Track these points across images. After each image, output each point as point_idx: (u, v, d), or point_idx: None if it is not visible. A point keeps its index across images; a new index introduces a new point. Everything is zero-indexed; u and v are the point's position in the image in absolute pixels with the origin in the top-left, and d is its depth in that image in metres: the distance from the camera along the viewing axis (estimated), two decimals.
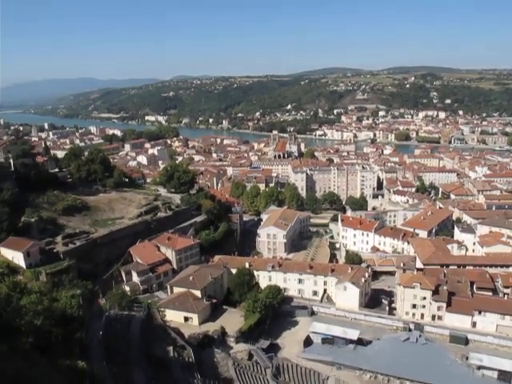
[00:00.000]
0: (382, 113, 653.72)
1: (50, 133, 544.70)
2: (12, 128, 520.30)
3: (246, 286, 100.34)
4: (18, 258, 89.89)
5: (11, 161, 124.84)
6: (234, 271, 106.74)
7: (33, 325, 38.07)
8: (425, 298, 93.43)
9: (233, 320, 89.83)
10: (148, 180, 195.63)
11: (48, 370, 29.68)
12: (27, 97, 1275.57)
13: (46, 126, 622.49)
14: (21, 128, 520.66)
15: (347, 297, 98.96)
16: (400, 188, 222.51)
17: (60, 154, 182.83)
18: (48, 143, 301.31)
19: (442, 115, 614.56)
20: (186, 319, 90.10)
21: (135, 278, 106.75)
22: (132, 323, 69.68)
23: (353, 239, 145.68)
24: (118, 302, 79.80)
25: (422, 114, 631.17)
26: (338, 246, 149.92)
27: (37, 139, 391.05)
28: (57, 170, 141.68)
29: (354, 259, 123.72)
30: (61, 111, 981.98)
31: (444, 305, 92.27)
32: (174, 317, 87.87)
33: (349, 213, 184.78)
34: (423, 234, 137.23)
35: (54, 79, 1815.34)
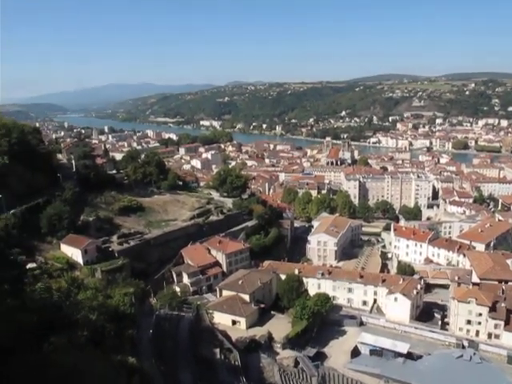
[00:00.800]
0: (439, 120, 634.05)
1: (110, 136, 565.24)
2: (75, 131, 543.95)
3: (295, 293, 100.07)
4: (76, 254, 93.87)
5: (73, 162, 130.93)
6: (283, 277, 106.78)
7: (88, 319, 39.72)
8: (481, 315, 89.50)
9: (280, 326, 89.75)
10: (201, 183, 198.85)
11: (102, 364, 30.90)
12: (90, 101, 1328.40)
13: (106, 129, 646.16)
14: (83, 131, 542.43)
15: (398, 308, 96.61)
16: (456, 198, 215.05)
17: (118, 157, 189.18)
18: (107, 146, 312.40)
19: (504, 123, 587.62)
20: (234, 322, 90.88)
21: (186, 279, 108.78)
22: (181, 323, 71.12)
23: (405, 249, 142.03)
24: (168, 301, 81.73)
25: (481, 122, 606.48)
26: (389, 255, 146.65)
27: (97, 142, 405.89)
28: (114, 171, 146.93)
29: (406, 270, 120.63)
30: (120, 115, 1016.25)
31: (502, 323, 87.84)
32: (221, 319, 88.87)
33: (402, 222, 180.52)
34: (480, 247, 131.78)
35: (115, 84, 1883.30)
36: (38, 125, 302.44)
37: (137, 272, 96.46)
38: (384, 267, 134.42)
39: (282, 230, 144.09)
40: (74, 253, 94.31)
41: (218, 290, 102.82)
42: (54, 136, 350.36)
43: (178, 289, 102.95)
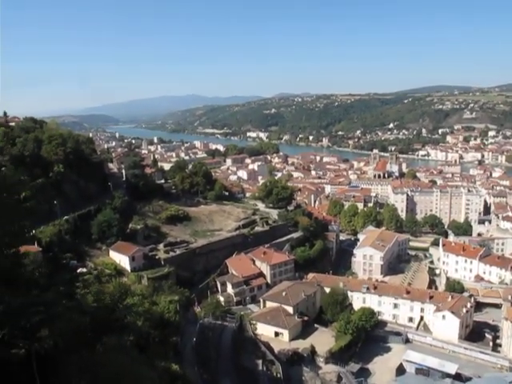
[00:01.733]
0: (491, 133, 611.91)
1: (159, 146, 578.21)
2: (126, 141, 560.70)
3: (339, 306, 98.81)
4: (124, 261, 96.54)
5: (123, 171, 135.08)
6: (327, 290, 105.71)
7: (135, 325, 40.68)
8: None
9: (323, 339, 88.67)
10: (247, 194, 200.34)
11: (146, 369, 31.63)
12: (140, 112, 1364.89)
13: (155, 139, 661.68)
14: (133, 141, 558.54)
15: (446, 327, 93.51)
16: (510, 214, 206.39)
17: (166, 167, 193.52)
18: (156, 156, 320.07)
19: None
20: (277, 334, 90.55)
21: (230, 289, 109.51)
22: (224, 333, 71.53)
23: (454, 266, 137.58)
24: (212, 311, 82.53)
25: None
26: (437, 272, 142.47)
27: (146, 152, 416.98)
28: (163, 181, 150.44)
29: (455, 287, 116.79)
30: (169, 126, 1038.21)
31: None
32: (264, 330, 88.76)
33: (451, 238, 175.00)
34: None
35: (164, 96, 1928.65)
36: (91, 135, 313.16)
37: (182, 280, 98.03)
38: (432, 283, 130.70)
39: (327, 242, 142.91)
40: (122, 259, 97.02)
41: (261, 300, 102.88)
42: (105, 146, 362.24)
43: (221, 298, 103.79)
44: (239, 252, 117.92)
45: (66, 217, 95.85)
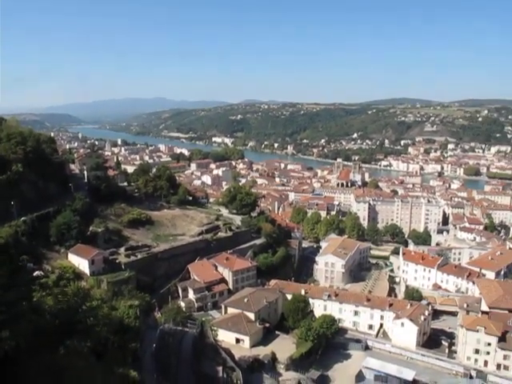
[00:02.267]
0: (451, 146, 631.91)
1: (123, 148, 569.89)
2: (88, 142, 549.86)
3: (301, 313, 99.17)
4: (83, 264, 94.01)
5: (85, 172, 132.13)
6: (289, 297, 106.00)
7: (93, 329, 39.57)
8: (489, 344, 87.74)
9: (284, 346, 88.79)
10: (211, 200, 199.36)
11: (104, 375, 30.80)
12: (105, 113, 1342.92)
13: (119, 141, 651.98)
14: (96, 142, 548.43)
15: (404, 334, 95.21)
16: (467, 225, 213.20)
17: (130, 169, 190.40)
18: (120, 158, 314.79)
19: None
20: (238, 341, 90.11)
21: (191, 295, 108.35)
22: (184, 339, 70.51)
23: (414, 274, 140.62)
24: (173, 316, 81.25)
25: (494, 149, 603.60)
26: (397, 280, 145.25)
27: (110, 154, 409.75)
28: (126, 184, 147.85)
29: (413, 295, 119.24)
30: (134, 128, 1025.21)
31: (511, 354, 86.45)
32: (225, 337, 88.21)
33: (411, 247, 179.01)
34: (490, 275, 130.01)
35: (131, 98, 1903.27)
36: (53, 134, 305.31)
37: (143, 285, 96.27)
38: (391, 291, 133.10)
39: (289, 249, 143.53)
40: (81, 263, 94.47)
41: (223, 307, 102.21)
42: (67, 146, 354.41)
43: (183, 304, 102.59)
44: (202, 257, 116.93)
45: (23, 218, 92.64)
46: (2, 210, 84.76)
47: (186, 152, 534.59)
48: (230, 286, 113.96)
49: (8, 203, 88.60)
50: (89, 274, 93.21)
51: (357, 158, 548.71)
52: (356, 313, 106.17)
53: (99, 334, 43.03)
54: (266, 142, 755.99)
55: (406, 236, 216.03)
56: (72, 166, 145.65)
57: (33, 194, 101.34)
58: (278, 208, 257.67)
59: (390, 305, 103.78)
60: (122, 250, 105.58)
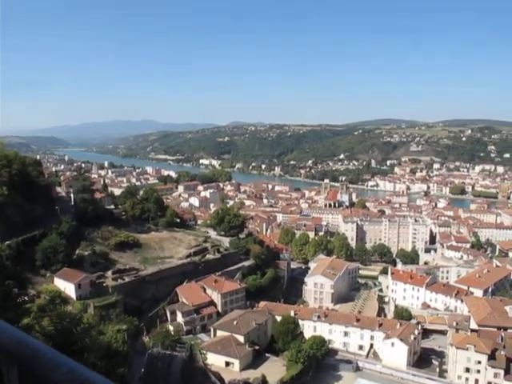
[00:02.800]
0: (436, 165, 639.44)
1: (109, 171, 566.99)
2: (75, 164, 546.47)
3: (290, 335, 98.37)
4: (69, 288, 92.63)
5: (72, 195, 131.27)
6: (278, 319, 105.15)
7: (80, 355, 38.91)
8: (480, 363, 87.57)
9: (274, 369, 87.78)
10: (199, 222, 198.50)
11: None
12: (91, 136, 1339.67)
13: (106, 164, 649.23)
14: (83, 165, 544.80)
15: (395, 354, 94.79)
16: (454, 243, 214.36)
17: (117, 192, 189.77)
18: (106, 180, 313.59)
19: (501, 169, 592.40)
20: (227, 364, 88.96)
21: (180, 318, 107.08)
22: (173, 363, 69.38)
23: (403, 294, 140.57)
24: (161, 340, 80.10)
25: (478, 168, 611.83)
26: (386, 299, 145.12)
27: (96, 176, 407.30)
28: (113, 206, 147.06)
29: (403, 315, 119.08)
30: (121, 151, 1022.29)
31: (502, 372, 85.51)
32: (215, 360, 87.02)
33: (399, 266, 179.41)
34: (478, 292, 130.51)
35: (117, 120, 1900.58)
36: (38, 157, 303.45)
37: (130, 309, 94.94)
38: (381, 311, 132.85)
39: (278, 270, 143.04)
40: (67, 287, 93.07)
41: (212, 329, 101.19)
42: (54, 169, 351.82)
43: (171, 327, 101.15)
44: (190, 280, 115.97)
45: (7, 242, 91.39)
46: None
47: (173, 174, 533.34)
48: (219, 309, 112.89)
49: None
50: (75, 298, 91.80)
51: (344, 178, 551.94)
52: (346, 333, 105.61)
53: (87, 360, 42.31)
54: (253, 164, 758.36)
55: (394, 255, 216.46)
56: (58, 189, 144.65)
57: (18, 217, 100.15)
58: (266, 229, 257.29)
59: (380, 325, 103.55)
60: (109, 273, 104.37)
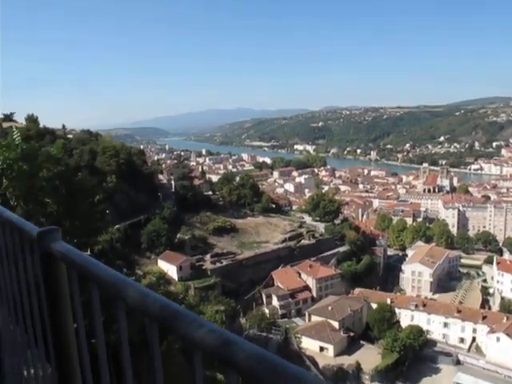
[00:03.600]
0: None
1: (207, 158, 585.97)
2: (175, 153, 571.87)
3: (386, 323, 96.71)
4: (171, 270, 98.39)
5: (173, 182, 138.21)
6: (374, 306, 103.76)
7: None
8: None
9: (369, 357, 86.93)
10: (294, 207, 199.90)
11: (192, 376, 32.25)
12: (190, 125, 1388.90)
13: (204, 151, 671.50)
14: (182, 153, 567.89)
15: (501, 350, 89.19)
16: None
17: (214, 178, 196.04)
18: (204, 168, 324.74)
19: None
20: (322, 349, 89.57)
21: (275, 301, 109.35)
22: (269, 345, 71.55)
23: (510, 285, 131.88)
24: (257, 322, 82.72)
25: None
26: (491, 291, 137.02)
27: (195, 164, 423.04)
28: (210, 192, 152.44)
29: (510, 308, 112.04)
30: (217, 139, 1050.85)
31: None
32: (309, 345, 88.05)
33: (506, 256, 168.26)
34: None
35: (214, 109, 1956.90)
36: (142, 147, 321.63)
37: (228, 291, 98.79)
38: (485, 303, 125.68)
39: (374, 257, 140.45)
40: (169, 269, 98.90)
41: (307, 314, 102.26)
42: (156, 158, 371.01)
43: (267, 311, 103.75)
44: (285, 265, 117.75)
45: (117, 226, 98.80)
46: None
47: (268, 160, 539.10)
48: (314, 294, 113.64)
49: (104, 212, 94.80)
50: (177, 280, 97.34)
51: (444, 162, 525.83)
52: (446, 324, 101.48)
53: None
54: (348, 149, 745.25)
55: (500, 244, 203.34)
56: (160, 177, 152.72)
57: (125, 203, 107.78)
58: (362, 215, 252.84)
59: (484, 317, 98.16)
60: (208, 256, 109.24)
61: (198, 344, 1.35)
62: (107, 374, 2.21)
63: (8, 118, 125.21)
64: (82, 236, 18.78)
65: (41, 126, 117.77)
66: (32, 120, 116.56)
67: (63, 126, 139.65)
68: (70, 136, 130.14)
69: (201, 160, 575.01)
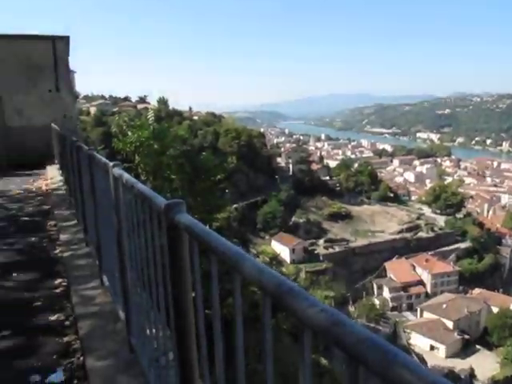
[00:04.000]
0: None
1: (326, 143, 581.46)
2: (294, 137, 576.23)
3: (508, 330, 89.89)
4: (284, 252, 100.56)
5: (291, 166, 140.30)
6: (495, 310, 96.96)
7: None
8: None
9: (485, 364, 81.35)
10: (413, 198, 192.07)
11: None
12: (309, 109, 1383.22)
13: (323, 136, 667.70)
14: (301, 137, 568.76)
15: None
16: None
17: (331, 164, 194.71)
18: (323, 153, 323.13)
19: None
20: (432, 348, 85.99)
21: (386, 293, 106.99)
22: None
23: None
24: (366, 312, 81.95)
25: None
26: None
27: (313, 148, 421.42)
28: (327, 178, 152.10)
29: None
30: (336, 124, 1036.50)
31: None
32: (419, 342, 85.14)
33: None
34: None
35: (334, 94, 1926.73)
36: (262, 130, 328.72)
37: (338, 278, 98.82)
38: None
39: (499, 257, 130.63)
40: (282, 250, 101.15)
41: (418, 310, 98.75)
42: (275, 141, 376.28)
43: (377, 301, 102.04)
44: (400, 256, 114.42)
45: (235, 205, 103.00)
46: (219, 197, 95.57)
47: (388, 148, 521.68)
48: (428, 290, 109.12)
49: (224, 191, 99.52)
50: (288, 262, 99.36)
51: None
52: None
53: None
54: (476, 138, 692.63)
55: None
56: (278, 160, 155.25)
57: (244, 184, 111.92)
58: (488, 211, 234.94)
59: None
60: (321, 241, 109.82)
61: (309, 322, 1.39)
62: (220, 340, 2.33)
63: (142, 100, 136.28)
64: (202, 212, 20.23)
65: (170, 107, 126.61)
66: (163, 102, 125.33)
67: (190, 108, 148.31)
68: (196, 118, 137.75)
69: (319, 145, 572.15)
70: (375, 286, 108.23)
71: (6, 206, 13.49)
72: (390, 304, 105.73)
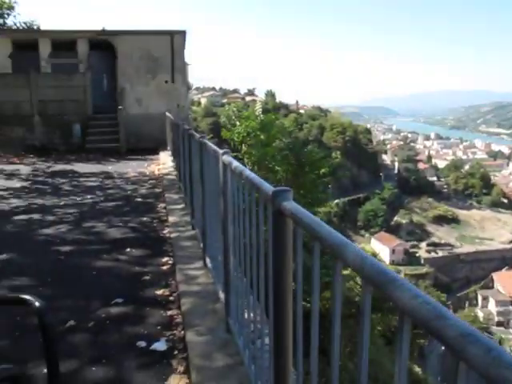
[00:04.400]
0: None
1: (435, 142, 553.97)
2: (402, 134, 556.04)
3: None
4: (384, 252, 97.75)
5: (396, 164, 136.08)
6: None
7: (386, 317, 41.76)
8: None
9: None
10: None
11: (390, 362, 32.30)
12: (420, 106, 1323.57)
13: (432, 135, 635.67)
14: (409, 135, 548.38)
15: None
16: None
17: (440, 164, 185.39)
18: (431, 152, 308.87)
19: None
20: None
21: (492, 306, 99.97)
22: None
23: None
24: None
25: None
26: None
27: (421, 147, 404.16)
28: (435, 178, 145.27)
29: None
30: (449, 122, 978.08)
31: None
32: None
33: None
34: None
35: (447, 90, 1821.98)
36: (369, 126, 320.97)
37: (439, 284, 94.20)
38: None
39: None
40: (381, 250, 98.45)
41: None
42: (381, 137, 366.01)
43: (481, 314, 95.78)
44: (510, 268, 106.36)
45: (336, 200, 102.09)
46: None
47: (505, 150, 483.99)
48: None
49: (326, 185, 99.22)
50: (387, 262, 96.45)
51: None
52: None
53: (390, 321, 44.94)
54: None
55: None
56: (384, 157, 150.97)
57: (347, 179, 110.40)
58: None
59: None
60: (424, 244, 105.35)
61: (410, 313, 1.38)
62: (317, 333, 2.32)
63: (251, 92, 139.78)
64: (304, 204, 20.36)
65: (277, 100, 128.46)
66: (270, 95, 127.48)
67: (296, 102, 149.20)
68: (302, 111, 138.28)
69: (428, 143, 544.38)
70: (480, 297, 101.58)
71: (123, 187, 14.67)
72: (496, 318, 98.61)
